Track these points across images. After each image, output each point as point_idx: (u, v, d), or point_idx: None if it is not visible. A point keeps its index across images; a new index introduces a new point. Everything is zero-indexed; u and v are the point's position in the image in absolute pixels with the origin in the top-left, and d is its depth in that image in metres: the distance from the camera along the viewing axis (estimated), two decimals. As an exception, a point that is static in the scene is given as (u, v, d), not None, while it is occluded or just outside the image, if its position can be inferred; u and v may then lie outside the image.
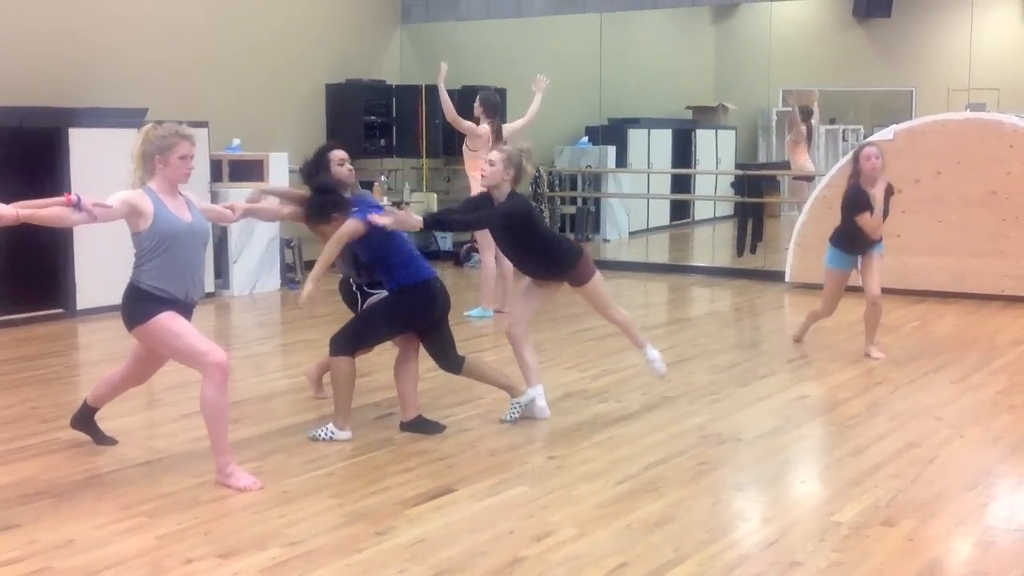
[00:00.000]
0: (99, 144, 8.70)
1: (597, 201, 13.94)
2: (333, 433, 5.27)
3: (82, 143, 8.68)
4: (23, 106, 8.67)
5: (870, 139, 10.01)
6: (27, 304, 8.52)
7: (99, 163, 8.60)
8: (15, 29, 8.93)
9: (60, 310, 8.70)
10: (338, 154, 5.60)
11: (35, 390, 6.42)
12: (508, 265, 9.03)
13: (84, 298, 8.73)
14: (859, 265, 7.23)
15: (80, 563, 3.80)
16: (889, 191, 7.07)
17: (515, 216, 5.45)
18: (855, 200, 7.01)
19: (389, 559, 3.88)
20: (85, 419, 5.21)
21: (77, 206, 4.36)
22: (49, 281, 8.73)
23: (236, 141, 10.32)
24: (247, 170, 10.11)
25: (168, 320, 4.58)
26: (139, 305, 4.60)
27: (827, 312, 7.34)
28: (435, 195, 12.35)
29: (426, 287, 5.31)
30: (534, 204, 12.84)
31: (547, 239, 5.69)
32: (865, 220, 6.93)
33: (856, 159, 7.07)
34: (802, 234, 10.31)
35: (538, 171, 13.05)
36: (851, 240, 7.15)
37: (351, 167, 5.67)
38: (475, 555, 3.90)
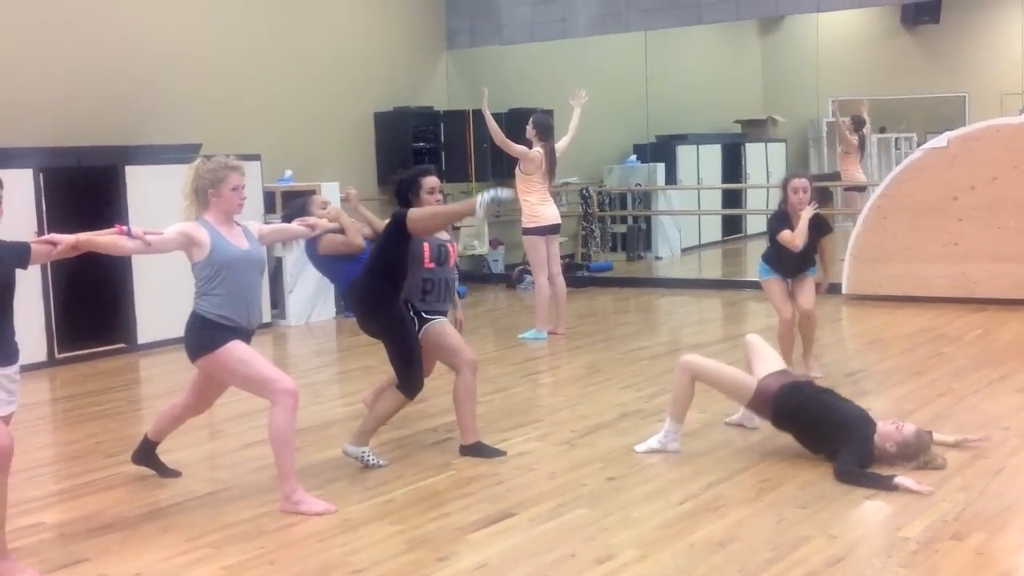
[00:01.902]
0: (155, 180, 8.85)
1: (648, 219, 13.90)
2: (369, 458, 5.31)
3: (138, 180, 8.85)
4: (81, 146, 8.86)
5: (925, 145, 9.88)
6: (90, 340, 8.68)
7: (155, 199, 8.76)
8: (72, 71, 9.14)
9: (122, 345, 8.84)
10: (430, 181, 5.50)
11: (99, 425, 6.52)
12: (562, 287, 9.04)
13: (145, 332, 8.87)
14: (791, 285, 7.14)
15: (148, 595, 3.85)
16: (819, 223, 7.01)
17: None
18: (776, 219, 7.03)
19: (452, 585, 3.88)
20: (147, 454, 5.28)
21: (128, 234, 4.42)
22: (110, 317, 8.89)
23: (288, 173, 10.45)
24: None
25: (236, 348, 4.65)
26: (204, 333, 4.67)
27: (788, 313, 7.12)
28: (485, 219, 12.39)
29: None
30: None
31: None
32: (785, 237, 6.86)
33: (784, 189, 7.02)
34: (857, 245, 10.20)
35: (587, 191, 13.07)
36: (779, 261, 7.10)
37: (440, 197, 5.58)
38: (538, 579, 3.89)
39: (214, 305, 4.65)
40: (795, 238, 6.85)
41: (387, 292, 5.23)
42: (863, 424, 5.11)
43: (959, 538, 4.15)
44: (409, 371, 5.22)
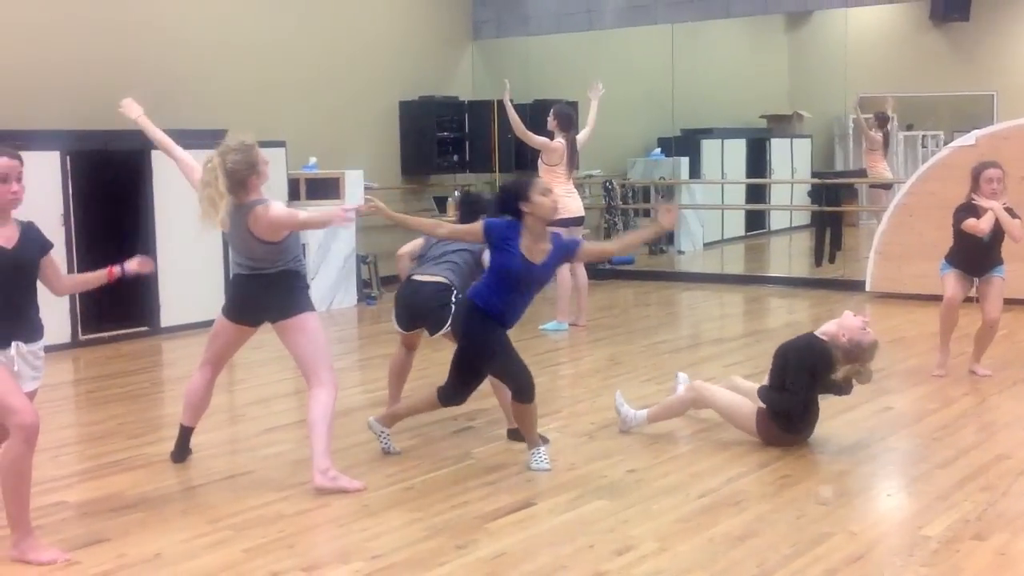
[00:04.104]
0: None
1: (671, 213, 13.82)
2: (386, 442, 5.34)
3: (164, 164, 8.83)
4: (108, 129, 8.89)
5: (952, 144, 9.81)
6: (114, 322, 8.72)
7: (180, 184, 8.77)
8: (99, 55, 9.18)
9: (145, 328, 8.89)
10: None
11: (122, 406, 6.56)
12: (583, 278, 9.02)
13: (168, 316, 8.91)
14: (977, 285, 6.85)
15: (168, 576, 3.87)
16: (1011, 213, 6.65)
17: None
18: (961, 210, 6.70)
19: (470, 573, 3.89)
20: (184, 442, 5.28)
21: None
22: (135, 300, 8.93)
23: (312, 160, 10.46)
24: (324, 188, 10.26)
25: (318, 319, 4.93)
26: (305, 293, 4.95)
27: (952, 293, 6.75)
28: (508, 209, 12.38)
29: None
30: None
31: None
32: (970, 223, 6.57)
33: (975, 179, 6.67)
34: (883, 242, 10.14)
35: (611, 183, 13.04)
36: (964, 257, 6.78)
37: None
38: (556, 569, 3.89)
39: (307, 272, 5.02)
40: (981, 223, 6.48)
41: None
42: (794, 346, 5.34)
43: (981, 538, 4.12)
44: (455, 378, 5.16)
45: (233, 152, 4.76)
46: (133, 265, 4.40)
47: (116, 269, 4.36)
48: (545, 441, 5.26)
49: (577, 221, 8.93)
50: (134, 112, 5.18)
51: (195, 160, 5.08)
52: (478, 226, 5.02)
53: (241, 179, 4.75)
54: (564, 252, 5.12)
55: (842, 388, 5.30)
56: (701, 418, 5.79)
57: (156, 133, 5.30)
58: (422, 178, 12.10)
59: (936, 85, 14.77)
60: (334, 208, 5.07)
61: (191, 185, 5.04)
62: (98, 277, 4.38)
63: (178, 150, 5.19)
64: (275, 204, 4.87)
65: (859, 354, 5.23)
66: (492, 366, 5.08)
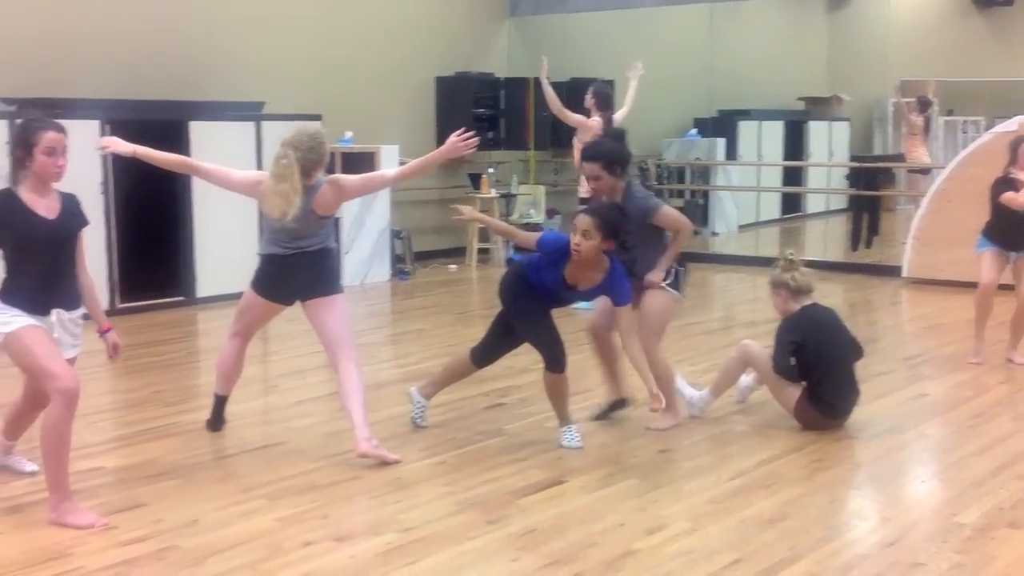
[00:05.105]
0: (218, 136, 8.97)
1: (706, 194, 13.78)
2: (419, 415, 5.40)
3: (202, 135, 8.93)
4: (146, 100, 8.96)
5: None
6: (150, 292, 8.81)
7: (217, 154, 8.82)
8: (139, 26, 9.22)
9: (181, 298, 8.97)
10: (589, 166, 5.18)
11: (158, 375, 6.63)
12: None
13: (204, 287, 8.99)
14: (1012, 263, 6.75)
15: (204, 542, 3.92)
16: None
17: None
18: (999, 183, 6.59)
19: (501, 547, 3.91)
20: (219, 411, 5.33)
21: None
22: (171, 270, 9.02)
23: (348, 134, 10.48)
24: (359, 162, 10.26)
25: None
26: (338, 272, 5.08)
27: (988, 279, 6.72)
28: (543, 187, 12.37)
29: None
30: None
31: None
32: (1008, 196, 6.46)
33: (1014, 150, 6.58)
34: (920, 228, 10.04)
35: (645, 163, 12.98)
36: (1001, 231, 6.68)
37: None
38: (587, 546, 3.90)
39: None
40: (1020, 196, 6.38)
41: None
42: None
43: (1016, 526, 4.09)
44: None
45: (307, 148, 4.76)
46: (114, 337, 4.39)
47: (109, 332, 4.38)
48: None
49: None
50: (126, 148, 4.78)
51: (220, 165, 5.02)
52: (534, 237, 5.01)
53: (309, 170, 4.78)
54: (608, 294, 4.99)
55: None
56: (734, 400, 5.77)
57: (165, 156, 4.99)
58: (457, 154, 12.07)
59: (978, 70, 14.59)
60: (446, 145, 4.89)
61: (227, 190, 5.00)
62: (97, 317, 4.36)
63: (201, 164, 5.03)
64: (343, 177, 4.98)
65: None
66: (525, 330, 5.09)
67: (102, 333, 4.37)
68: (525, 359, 5.82)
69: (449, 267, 11.35)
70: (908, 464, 5.04)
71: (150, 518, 4.14)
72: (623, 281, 4.92)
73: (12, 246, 4.04)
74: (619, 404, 5.55)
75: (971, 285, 7.21)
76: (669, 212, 5.26)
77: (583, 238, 4.75)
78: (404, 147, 10.87)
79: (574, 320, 8.20)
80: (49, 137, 4.02)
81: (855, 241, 12.01)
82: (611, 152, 5.23)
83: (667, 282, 5.25)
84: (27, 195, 4.05)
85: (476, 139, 4.90)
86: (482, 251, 11.53)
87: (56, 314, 4.10)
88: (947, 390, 6.28)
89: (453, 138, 4.86)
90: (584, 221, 4.77)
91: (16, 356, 4.07)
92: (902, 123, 13.03)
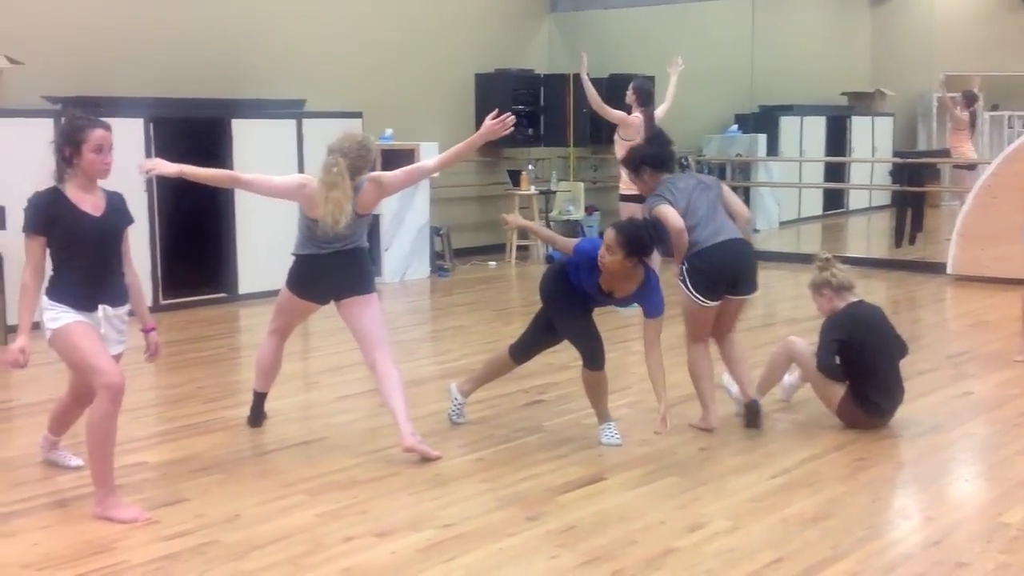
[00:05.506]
0: (259, 133, 9.06)
1: (747, 190, 13.67)
2: (456, 412, 5.41)
3: (244, 133, 9.01)
4: (189, 98, 9.05)
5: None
6: (193, 288, 8.90)
7: (259, 151, 8.94)
8: (183, 26, 9.31)
9: (223, 294, 9.05)
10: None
11: (200, 370, 6.70)
12: (656, 256, 8.94)
13: (245, 283, 9.07)
14: None
15: (245, 537, 3.95)
16: None
17: None
18: None
19: (541, 544, 3.90)
20: (259, 408, 5.37)
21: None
22: (213, 267, 9.10)
23: (388, 131, 10.51)
24: (399, 160, 10.27)
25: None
26: (372, 270, 5.11)
27: None
28: (582, 184, 12.35)
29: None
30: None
31: None
32: None
33: None
34: (965, 224, 9.90)
35: (686, 159, 12.91)
36: None
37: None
38: (627, 544, 3.89)
39: None
40: None
41: None
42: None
43: (1063, 527, 4.03)
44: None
45: (357, 155, 4.83)
46: (156, 338, 4.44)
47: (153, 332, 4.43)
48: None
49: (652, 197, 8.86)
50: (171, 169, 4.76)
51: (260, 173, 5.08)
52: (572, 244, 5.00)
53: (355, 175, 4.85)
54: (641, 303, 4.96)
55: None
56: (778, 398, 5.73)
57: (209, 173, 5.07)
58: (496, 151, 12.08)
59: (1025, 64, 14.36)
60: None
61: (271, 197, 5.06)
62: (141, 316, 4.40)
63: (243, 176, 5.08)
64: (383, 174, 5.03)
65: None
66: (565, 328, 5.09)
67: (145, 332, 4.41)
68: (564, 356, 5.81)
69: (488, 264, 11.36)
70: (952, 463, 4.98)
71: (192, 513, 4.19)
72: (656, 294, 4.92)
73: (59, 244, 4.10)
74: (752, 407, 5.36)
75: (1017, 282, 7.11)
76: (659, 212, 5.16)
77: (607, 252, 4.76)
78: (444, 144, 10.81)
79: (614, 317, 8.19)
80: (97, 135, 4.07)
81: (899, 238, 11.88)
82: (634, 157, 5.40)
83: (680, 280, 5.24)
84: (73, 193, 4.10)
85: (512, 118, 4.98)
86: (521, 248, 11.53)
87: (103, 310, 4.14)
88: (992, 388, 6.20)
89: (489, 120, 4.94)
90: (608, 235, 4.78)
91: (63, 352, 4.12)
92: (947, 118, 12.87)
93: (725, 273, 5.20)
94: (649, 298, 4.91)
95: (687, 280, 5.21)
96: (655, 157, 5.38)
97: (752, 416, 5.33)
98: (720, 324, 5.37)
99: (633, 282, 4.88)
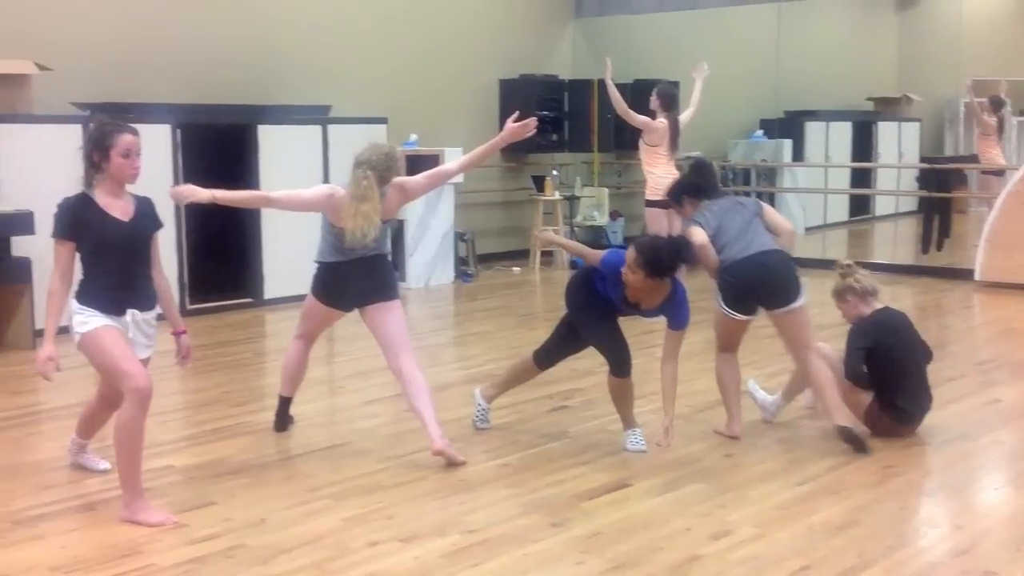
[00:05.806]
0: (286, 139, 9.11)
1: (772, 196, 13.62)
2: (480, 417, 5.43)
3: (270, 139, 9.06)
4: (217, 104, 9.11)
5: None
6: (219, 293, 8.95)
7: (285, 158, 8.99)
8: (210, 33, 9.38)
9: (249, 300, 9.10)
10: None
11: (226, 375, 6.73)
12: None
13: (271, 289, 9.11)
14: None
15: (272, 541, 3.97)
16: None
17: None
18: None
19: (566, 550, 3.90)
20: (284, 412, 5.40)
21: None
22: (239, 272, 9.15)
23: (413, 137, 10.55)
24: (423, 165, 10.27)
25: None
26: (395, 276, 5.18)
27: None
28: (606, 190, 12.34)
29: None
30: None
31: None
32: None
33: None
34: (993, 231, 9.82)
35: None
36: None
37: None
38: (652, 551, 3.88)
39: None
40: None
41: None
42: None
43: (1094, 537, 3.99)
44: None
45: (384, 167, 4.87)
46: (187, 341, 4.47)
47: (184, 335, 4.45)
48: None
49: (677, 203, 8.84)
50: (204, 196, 4.74)
51: (288, 189, 5.14)
52: (599, 255, 4.98)
53: (382, 185, 4.89)
54: (666, 316, 4.96)
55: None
56: (801, 405, 5.70)
57: (240, 196, 5.24)
58: (520, 156, 12.09)
59: (1053, 69, 14.23)
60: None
61: (301, 211, 5.16)
62: (172, 319, 4.44)
63: (272, 195, 5.16)
64: (407, 180, 5.05)
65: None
66: (590, 334, 5.09)
67: (176, 335, 4.44)
68: (588, 362, 5.81)
69: (513, 269, 11.37)
70: (981, 471, 4.94)
71: (219, 516, 4.21)
72: (683, 307, 4.91)
73: (88, 248, 4.13)
74: (843, 433, 5.09)
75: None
76: (687, 231, 5.24)
77: (629, 271, 4.75)
78: (468, 149, 10.82)
79: (639, 323, 8.17)
80: (125, 140, 4.11)
81: (926, 244, 11.79)
82: (676, 189, 5.58)
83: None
84: (102, 198, 4.14)
85: (534, 121, 5.02)
86: (545, 254, 11.53)
87: (131, 314, 4.17)
88: (1021, 396, 6.14)
89: (511, 123, 4.98)
90: (630, 256, 4.75)
91: (92, 355, 4.16)
92: (975, 124, 12.77)
93: (753, 283, 5.18)
94: (675, 311, 4.91)
95: (719, 292, 5.25)
96: (694, 188, 5.49)
97: (850, 442, 5.00)
98: (789, 344, 5.35)
99: (659, 295, 4.87)
